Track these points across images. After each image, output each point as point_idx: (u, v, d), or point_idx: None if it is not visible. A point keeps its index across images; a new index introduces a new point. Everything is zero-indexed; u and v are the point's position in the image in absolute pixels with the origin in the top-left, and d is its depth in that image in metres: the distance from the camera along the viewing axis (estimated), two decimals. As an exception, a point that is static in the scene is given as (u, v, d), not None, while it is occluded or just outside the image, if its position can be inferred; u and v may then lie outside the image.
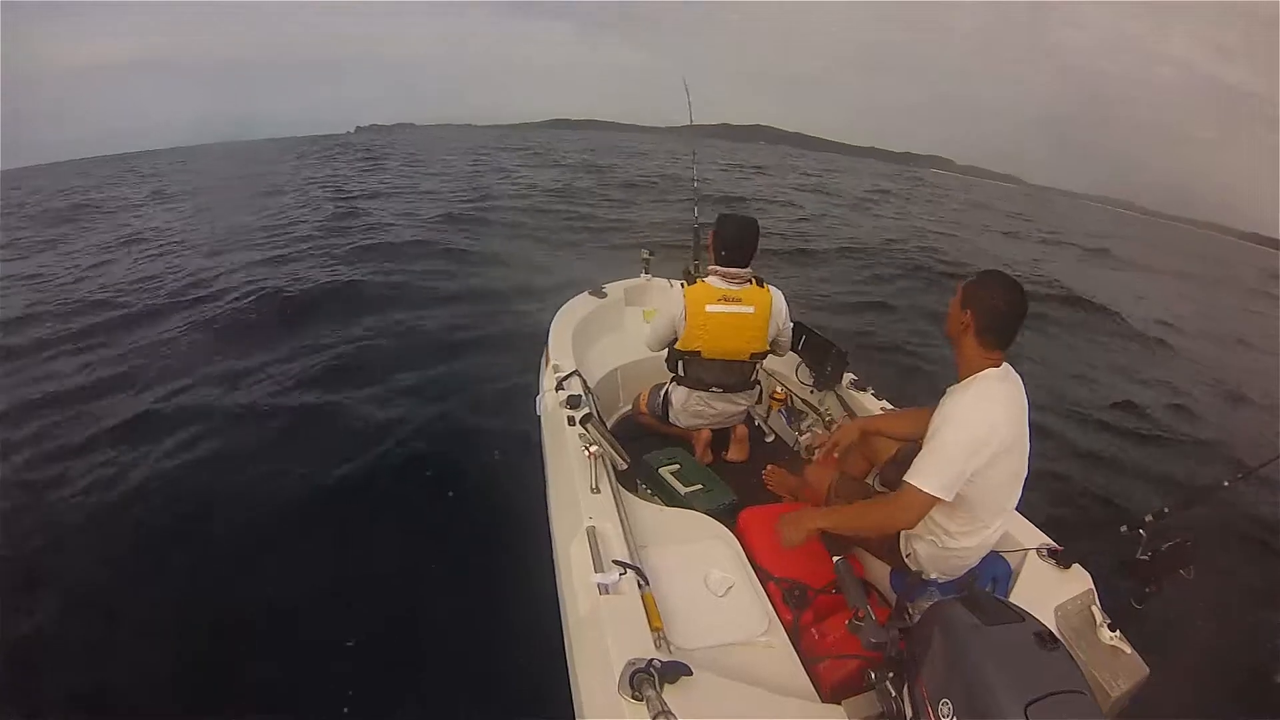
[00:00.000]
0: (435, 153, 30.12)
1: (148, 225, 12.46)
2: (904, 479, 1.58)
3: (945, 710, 1.08)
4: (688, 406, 2.73)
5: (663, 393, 2.82)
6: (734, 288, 2.53)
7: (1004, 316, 1.61)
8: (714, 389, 2.67)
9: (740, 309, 2.52)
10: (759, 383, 2.79)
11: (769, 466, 2.71)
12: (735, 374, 2.65)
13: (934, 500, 1.52)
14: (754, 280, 2.58)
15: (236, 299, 6.82)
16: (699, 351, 2.57)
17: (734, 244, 2.53)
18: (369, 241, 9.32)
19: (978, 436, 1.55)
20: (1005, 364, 1.66)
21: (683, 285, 2.61)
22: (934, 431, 1.60)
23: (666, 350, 2.70)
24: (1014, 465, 1.67)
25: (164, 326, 6.35)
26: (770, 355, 2.72)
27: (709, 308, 2.50)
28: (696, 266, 3.29)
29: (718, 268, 2.56)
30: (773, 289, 2.62)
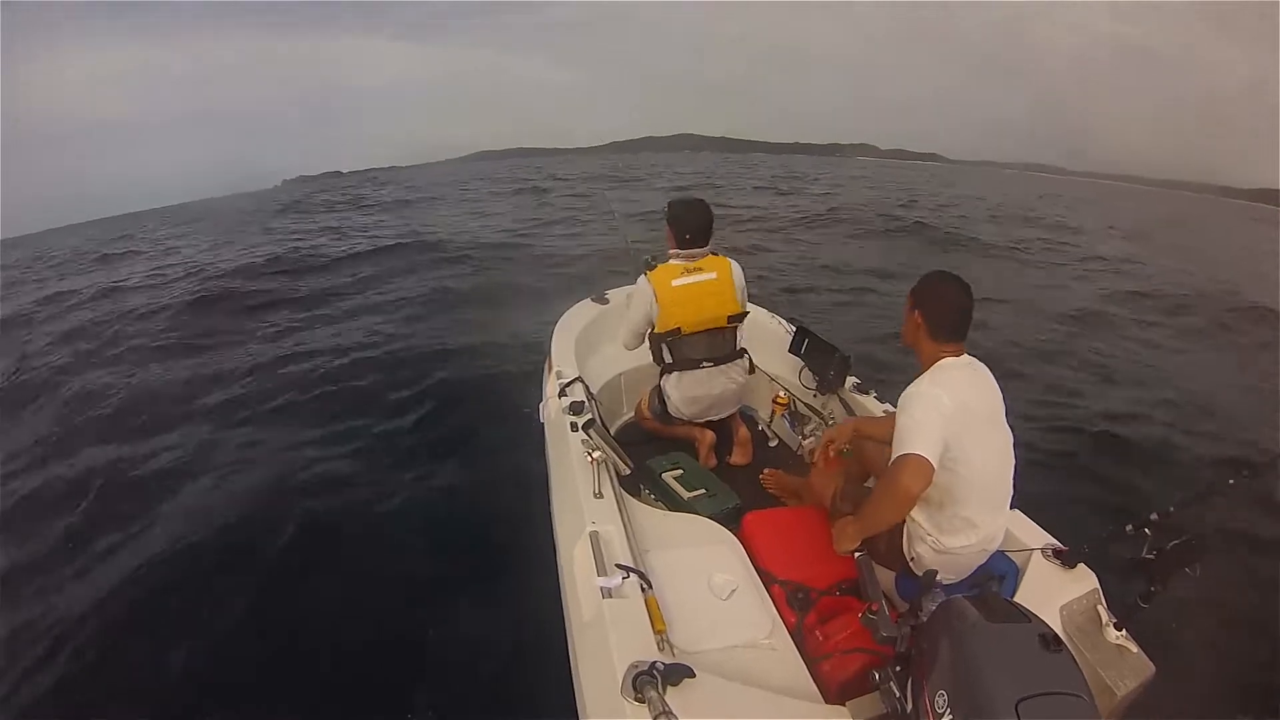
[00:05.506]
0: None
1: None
2: (891, 460, 1.58)
3: (941, 702, 1.09)
4: (684, 392, 2.73)
5: (659, 388, 2.83)
6: (694, 260, 2.64)
7: (952, 310, 1.68)
8: (704, 364, 2.69)
9: (704, 276, 2.62)
10: (745, 350, 2.81)
11: (766, 470, 2.73)
12: (720, 343, 2.71)
13: (926, 462, 1.51)
14: (711, 252, 2.70)
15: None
16: (679, 329, 2.63)
17: (694, 227, 2.65)
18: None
19: (942, 403, 1.57)
20: (967, 355, 1.71)
21: (645, 274, 2.67)
22: (899, 416, 1.62)
23: (651, 349, 2.74)
24: (995, 454, 1.69)
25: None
26: (770, 364, 2.79)
27: (675, 282, 2.60)
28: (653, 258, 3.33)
29: (678, 250, 2.66)
30: (729, 258, 2.71)
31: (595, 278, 5.28)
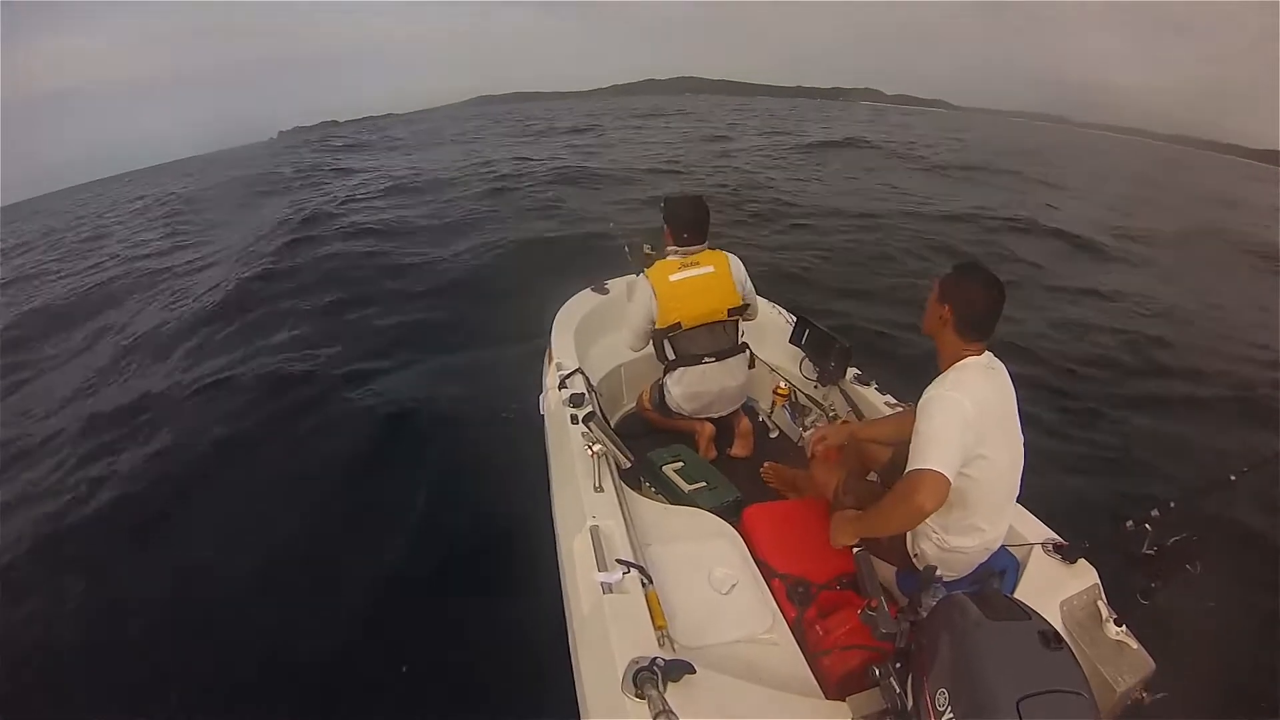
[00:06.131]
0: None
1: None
2: (907, 470, 1.55)
3: (942, 700, 1.09)
4: (685, 388, 2.72)
5: (660, 384, 2.82)
6: (691, 255, 2.65)
7: (983, 310, 1.64)
8: (706, 359, 2.68)
9: (702, 270, 2.63)
10: (748, 345, 2.81)
11: (766, 464, 2.73)
12: (721, 337, 2.71)
13: (944, 479, 1.48)
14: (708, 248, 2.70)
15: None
16: (680, 323, 2.62)
17: (691, 224, 2.65)
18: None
19: (965, 411, 1.54)
20: (988, 353, 1.68)
21: (642, 273, 2.67)
22: (919, 421, 1.58)
23: (654, 347, 2.72)
24: (1008, 458, 1.67)
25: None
26: (770, 354, 2.77)
27: (672, 277, 2.60)
28: (651, 248, 3.35)
29: (675, 248, 2.66)
30: (727, 252, 2.72)
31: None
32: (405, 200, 11.48)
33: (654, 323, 2.64)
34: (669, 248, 2.69)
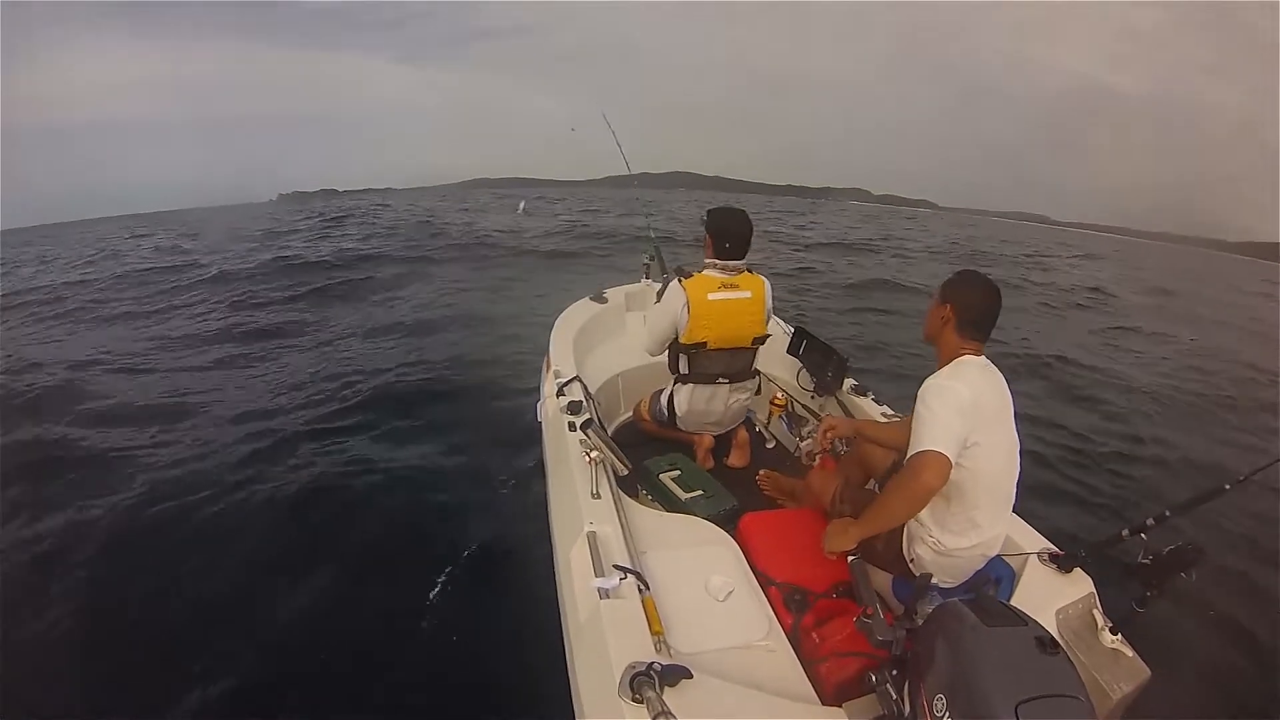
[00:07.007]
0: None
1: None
2: (909, 455, 1.57)
3: (940, 706, 1.09)
4: (693, 406, 2.72)
5: (665, 397, 2.80)
6: (731, 276, 2.57)
7: (983, 309, 1.70)
8: (720, 380, 2.66)
9: (739, 294, 2.55)
10: (758, 370, 2.80)
11: (762, 471, 2.73)
12: (739, 361, 2.68)
13: (946, 459, 1.51)
14: (747, 269, 2.63)
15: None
16: (705, 343, 2.57)
17: (735, 236, 2.56)
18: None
19: (962, 397, 1.58)
20: (984, 356, 1.72)
21: (679, 280, 2.60)
22: (918, 407, 1.61)
23: (668, 356, 2.69)
24: (1003, 455, 1.69)
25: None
26: (768, 365, 2.78)
27: (711, 295, 2.51)
28: (652, 257, 3.32)
29: (716, 260, 2.58)
30: (762, 276, 2.66)
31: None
32: (419, 268, 11.52)
33: (679, 335, 2.58)
34: (707, 260, 2.60)
